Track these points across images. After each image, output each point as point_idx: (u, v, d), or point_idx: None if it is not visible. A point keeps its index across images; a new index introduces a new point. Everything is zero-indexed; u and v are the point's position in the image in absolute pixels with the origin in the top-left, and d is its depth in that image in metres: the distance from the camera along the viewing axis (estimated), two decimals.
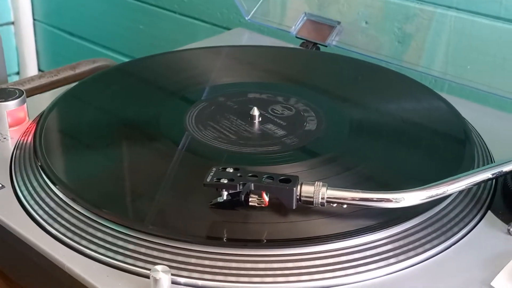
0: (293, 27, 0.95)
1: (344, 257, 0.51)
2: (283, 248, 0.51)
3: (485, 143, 0.68)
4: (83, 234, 0.53)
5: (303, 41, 0.93)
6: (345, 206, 0.53)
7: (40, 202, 0.57)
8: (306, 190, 0.53)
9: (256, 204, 0.54)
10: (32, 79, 0.91)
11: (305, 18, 0.95)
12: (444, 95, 0.75)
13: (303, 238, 0.51)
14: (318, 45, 0.92)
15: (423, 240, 0.53)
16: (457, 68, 0.82)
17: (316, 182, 0.53)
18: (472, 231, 0.55)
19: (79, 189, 0.57)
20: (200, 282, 0.49)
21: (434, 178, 0.54)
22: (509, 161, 0.57)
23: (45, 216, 0.56)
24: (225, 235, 0.52)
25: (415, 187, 0.53)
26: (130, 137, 0.67)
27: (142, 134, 0.67)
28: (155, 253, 0.51)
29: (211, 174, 0.54)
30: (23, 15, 1.53)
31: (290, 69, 0.84)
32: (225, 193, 0.53)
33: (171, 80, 0.78)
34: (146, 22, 1.32)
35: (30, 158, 0.62)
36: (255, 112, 0.68)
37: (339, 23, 0.92)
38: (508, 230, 0.55)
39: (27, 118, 0.70)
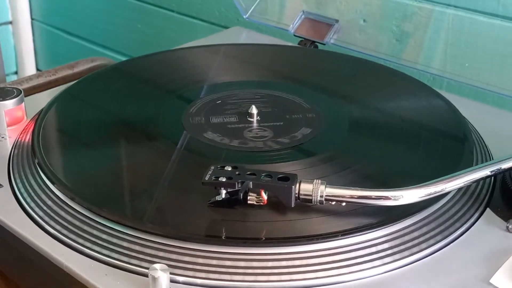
0: (291, 25, 0.95)
1: (343, 255, 0.51)
2: (282, 247, 0.51)
3: (483, 140, 0.68)
4: (82, 233, 0.53)
5: (301, 39, 0.93)
6: (343, 204, 0.53)
7: (39, 201, 0.57)
8: (305, 188, 0.53)
9: (255, 203, 0.54)
10: (30, 78, 0.91)
11: (303, 16, 0.95)
12: (442, 92, 0.75)
13: (302, 236, 0.51)
14: (316, 43, 0.92)
15: (422, 238, 0.53)
16: (455, 66, 0.82)
17: (315, 180, 0.53)
18: (471, 229, 0.55)
19: (77, 187, 0.57)
20: (199, 281, 0.49)
21: (433, 176, 0.54)
22: (508, 158, 0.57)
23: (44, 215, 0.56)
24: (224, 234, 0.52)
25: (414, 185, 0.53)
26: (128, 136, 0.67)
27: (140, 132, 0.67)
28: (153, 251, 0.51)
29: (210, 172, 0.54)
30: (21, 15, 1.53)
31: (288, 67, 0.84)
32: (223, 192, 0.53)
33: (169, 79, 0.78)
34: (144, 21, 1.32)
35: (28, 157, 0.62)
36: (254, 110, 0.68)
37: (337, 21, 0.92)
38: (507, 227, 0.55)
39: (25, 117, 0.70)
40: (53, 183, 0.58)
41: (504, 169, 0.57)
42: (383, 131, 0.67)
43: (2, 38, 1.53)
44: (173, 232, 0.51)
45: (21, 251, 0.55)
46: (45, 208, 0.56)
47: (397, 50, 0.88)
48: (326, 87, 0.77)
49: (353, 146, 0.64)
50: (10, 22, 1.55)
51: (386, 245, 0.52)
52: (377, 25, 0.89)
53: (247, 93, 0.74)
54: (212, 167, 0.55)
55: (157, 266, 0.47)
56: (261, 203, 0.53)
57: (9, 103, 0.68)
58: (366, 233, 0.52)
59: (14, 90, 0.69)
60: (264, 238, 0.52)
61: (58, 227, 0.54)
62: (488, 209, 0.58)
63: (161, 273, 0.46)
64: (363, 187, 0.53)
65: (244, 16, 1.00)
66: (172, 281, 0.48)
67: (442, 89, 0.85)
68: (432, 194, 0.53)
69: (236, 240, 0.51)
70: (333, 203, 0.53)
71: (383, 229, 0.53)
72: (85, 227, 0.54)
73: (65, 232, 0.54)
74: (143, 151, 0.64)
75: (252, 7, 0.99)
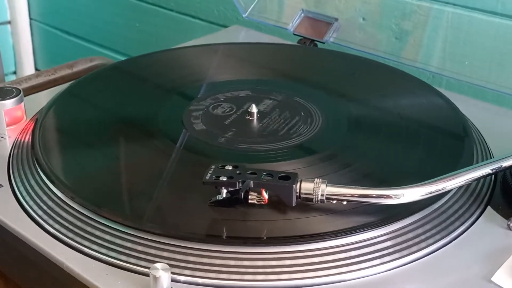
0: (291, 24, 0.95)
1: (344, 254, 0.51)
2: (283, 246, 0.51)
3: (484, 138, 0.68)
4: (82, 233, 0.53)
5: (300, 38, 0.93)
6: (344, 203, 0.53)
7: (38, 200, 0.57)
8: (306, 187, 0.53)
9: (256, 202, 0.53)
10: (29, 78, 0.91)
11: (302, 15, 0.94)
12: (442, 91, 0.75)
13: (303, 236, 0.51)
14: (315, 42, 0.91)
15: (423, 236, 0.53)
16: (455, 64, 0.82)
17: (316, 179, 0.53)
18: (472, 227, 0.55)
19: (77, 187, 0.57)
20: (200, 280, 0.49)
21: (433, 174, 0.54)
22: (508, 156, 0.57)
23: (44, 215, 0.56)
24: (225, 233, 0.52)
25: (415, 183, 0.53)
26: (128, 135, 0.67)
27: (140, 132, 0.67)
28: (154, 251, 0.51)
29: (210, 172, 0.54)
30: (19, 14, 1.53)
31: (287, 66, 0.83)
32: (224, 191, 0.53)
33: (168, 78, 0.78)
34: (143, 20, 1.31)
35: (28, 157, 0.62)
36: (253, 109, 0.68)
37: (336, 19, 0.91)
38: (508, 225, 0.55)
39: (25, 117, 0.70)
40: (53, 182, 0.58)
41: (505, 167, 0.57)
42: (383, 130, 0.67)
43: (1, 38, 1.53)
44: (174, 232, 0.51)
45: (21, 251, 0.55)
46: (45, 207, 0.56)
47: (396, 48, 0.88)
48: (326, 86, 0.77)
49: (353, 145, 0.64)
50: (9, 22, 1.55)
51: (387, 244, 0.52)
52: (376, 24, 0.89)
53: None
54: (213, 167, 0.54)
55: (158, 265, 0.47)
56: (262, 202, 0.53)
57: (9, 103, 0.68)
58: (367, 231, 0.52)
59: (14, 90, 0.69)
60: (265, 237, 0.52)
61: (58, 226, 0.54)
62: (489, 207, 0.58)
63: (162, 272, 0.46)
64: (363, 186, 0.53)
65: (243, 15, 1.00)
66: (173, 280, 0.48)
67: (442, 87, 0.85)
68: (433, 192, 0.53)
69: (237, 239, 0.51)
70: (334, 202, 0.53)
71: (384, 228, 0.53)
72: (86, 227, 0.54)
73: (65, 231, 0.54)
74: (143, 150, 0.64)
75: (251, 6, 0.99)
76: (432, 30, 0.84)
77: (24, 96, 0.70)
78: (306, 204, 0.54)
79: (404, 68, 0.82)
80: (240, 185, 0.53)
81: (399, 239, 0.52)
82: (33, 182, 0.59)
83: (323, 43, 0.91)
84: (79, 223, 0.54)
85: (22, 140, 0.66)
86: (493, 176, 0.60)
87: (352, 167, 0.60)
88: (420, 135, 0.67)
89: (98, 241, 0.52)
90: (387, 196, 0.52)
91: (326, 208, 0.54)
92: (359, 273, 0.50)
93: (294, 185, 0.52)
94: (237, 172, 0.54)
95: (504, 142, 0.66)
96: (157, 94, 0.75)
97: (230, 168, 0.54)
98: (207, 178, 0.53)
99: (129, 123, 0.69)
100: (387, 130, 0.67)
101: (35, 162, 0.61)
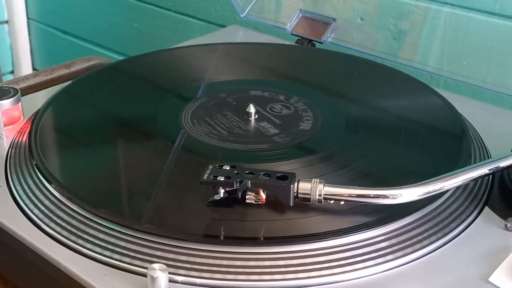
0: (288, 24, 0.95)
1: (342, 254, 0.51)
2: (281, 246, 0.51)
3: (481, 138, 0.68)
4: (79, 233, 0.53)
5: (298, 38, 0.93)
6: (342, 203, 0.53)
7: (36, 201, 0.57)
8: (303, 187, 0.53)
9: (253, 202, 0.53)
10: (26, 77, 0.91)
11: (300, 15, 0.94)
12: (440, 91, 0.75)
13: (301, 235, 0.51)
14: (313, 42, 0.91)
15: (421, 237, 0.53)
16: (452, 64, 0.82)
17: (313, 179, 0.53)
18: (470, 227, 0.55)
19: (74, 187, 0.57)
20: (198, 280, 0.49)
21: (431, 174, 0.54)
22: (506, 156, 0.57)
23: (41, 215, 0.56)
24: (222, 233, 0.52)
25: (412, 183, 0.53)
26: (126, 135, 0.66)
27: (137, 132, 0.67)
28: (152, 251, 0.51)
29: (208, 171, 0.54)
30: (17, 14, 1.53)
31: (285, 66, 0.83)
32: (222, 191, 0.53)
33: (166, 78, 0.78)
34: (141, 20, 1.31)
35: (25, 157, 0.62)
36: (251, 109, 0.68)
37: (334, 19, 0.91)
38: (505, 225, 0.55)
39: (22, 117, 0.70)
40: (50, 183, 0.58)
41: (502, 167, 0.57)
42: (381, 130, 0.67)
43: None
44: (171, 232, 0.51)
45: (18, 252, 0.55)
46: (42, 208, 0.56)
47: (394, 48, 0.88)
48: (324, 86, 0.77)
49: (351, 145, 0.64)
50: (6, 22, 1.55)
51: (384, 244, 0.52)
52: (374, 24, 0.89)
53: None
54: (210, 166, 0.54)
55: (155, 266, 0.47)
56: (260, 202, 0.53)
57: (6, 103, 0.68)
58: (365, 231, 0.52)
59: (11, 90, 0.69)
60: (262, 237, 0.52)
61: (56, 227, 0.54)
62: (486, 207, 0.58)
63: (160, 273, 0.46)
64: (361, 186, 0.53)
65: (241, 15, 1.00)
66: (170, 280, 0.48)
67: (439, 87, 0.85)
68: (431, 192, 0.53)
69: (234, 239, 0.51)
70: (332, 202, 0.53)
71: (381, 228, 0.53)
72: (83, 227, 0.53)
73: (63, 232, 0.54)
74: (140, 151, 0.63)
75: (249, 6, 0.99)
76: (430, 30, 0.84)
77: (22, 96, 0.70)
78: (304, 204, 0.54)
79: (402, 68, 0.82)
80: (238, 185, 0.53)
81: (396, 239, 0.52)
82: (30, 182, 0.59)
83: (321, 43, 0.91)
84: (76, 224, 0.54)
85: (20, 140, 0.66)
86: (490, 176, 0.60)
87: (350, 167, 0.60)
88: (417, 135, 0.67)
89: (95, 241, 0.52)
90: (385, 196, 0.52)
91: (324, 208, 0.54)
92: (356, 274, 0.50)
93: (291, 185, 0.52)
94: (235, 172, 0.54)
95: (502, 142, 0.66)
96: (154, 94, 0.75)
97: (228, 168, 0.54)
98: (205, 178, 0.53)
99: (127, 123, 0.69)
100: (384, 130, 0.67)
101: (33, 162, 0.61)
